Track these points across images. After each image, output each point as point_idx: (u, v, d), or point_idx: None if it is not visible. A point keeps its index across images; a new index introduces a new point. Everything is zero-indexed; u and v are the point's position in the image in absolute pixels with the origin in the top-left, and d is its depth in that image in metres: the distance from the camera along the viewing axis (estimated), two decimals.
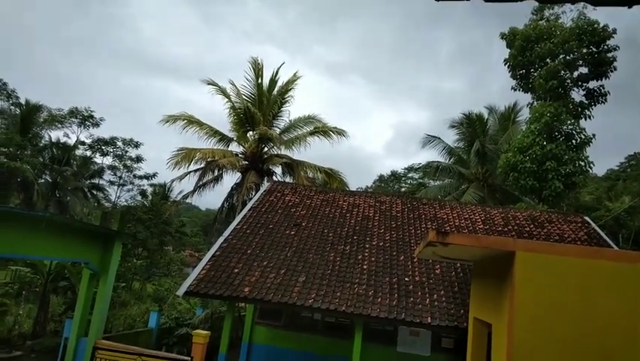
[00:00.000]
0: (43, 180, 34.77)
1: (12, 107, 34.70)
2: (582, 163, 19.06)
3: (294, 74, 25.10)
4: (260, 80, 24.51)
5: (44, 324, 16.94)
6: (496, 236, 12.27)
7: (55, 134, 37.66)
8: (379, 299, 10.37)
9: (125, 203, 39.17)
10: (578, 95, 20.65)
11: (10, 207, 22.03)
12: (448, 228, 13.87)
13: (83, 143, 37.67)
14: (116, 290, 19.27)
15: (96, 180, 39.84)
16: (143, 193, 39.33)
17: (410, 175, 51.10)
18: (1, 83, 33.20)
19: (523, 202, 21.54)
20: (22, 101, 34.53)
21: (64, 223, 11.24)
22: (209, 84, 23.69)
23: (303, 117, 25.21)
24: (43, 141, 36.43)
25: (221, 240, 12.54)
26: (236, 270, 11.21)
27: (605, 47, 19.64)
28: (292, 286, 10.68)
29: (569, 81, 20.35)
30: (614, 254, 6.25)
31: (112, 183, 39.84)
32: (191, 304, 20.08)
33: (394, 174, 53.08)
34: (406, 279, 11.19)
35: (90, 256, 11.27)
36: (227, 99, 23.81)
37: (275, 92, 24.93)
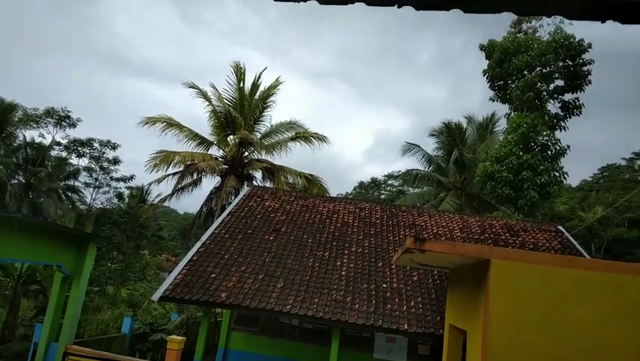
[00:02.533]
0: (16, 181, 33.87)
1: None
2: (557, 174, 19.49)
3: (277, 79, 25.09)
4: (242, 84, 24.41)
5: (13, 328, 16.47)
6: (472, 244, 12.44)
7: (30, 134, 36.69)
8: (357, 306, 10.39)
9: (101, 205, 38.44)
10: (553, 107, 21.16)
11: None
12: (426, 235, 14.01)
13: (59, 143, 36.89)
14: (89, 294, 18.88)
15: (71, 182, 38.99)
16: (119, 196, 38.66)
17: (390, 182, 51.51)
18: None
19: (499, 211, 21.89)
20: None
21: (37, 225, 10.99)
22: (189, 87, 23.51)
23: (284, 122, 25.20)
24: (17, 141, 35.50)
25: (198, 244, 12.41)
26: (213, 275, 11.10)
27: (581, 60, 20.18)
28: (270, 292, 10.62)
29: (545, 93, 20.83)
30: (587, 263, 6.40)
31: (87, 185, 39.04)
32: (167, 309, 19.80)
33: (374, 181, 53.38)
34: (384, 285, 11.25)
35: (63, 259, 11.03)
36: (208, 102, 23.65)
37: (257, 96, 24.86)
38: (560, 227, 15.60)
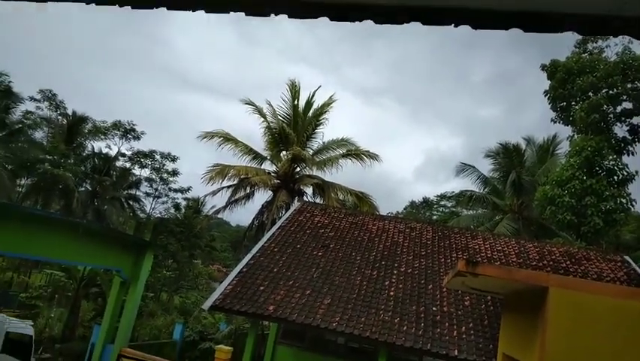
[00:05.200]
0: (83, 189, 36.06)
1: (59, 117, 36.43)
2: (624, 200, 18.37)
3: (330, 97, 25.39)
4: (296, 102, 24.90)
5: (74, 328, 17.36)
6: (529, 270, 11.88)
7: (98, 145, 39.15)
8: (405, 328, 10.16)
9: (159, 215, 40.08)
10: (620, 130, 20.06)
11: (50, 212, 22.92)
12: (480, 259, 13.54)
13: (124, 155, 39.02)
14: (144, 300, 19.61)
15: (133, 191, 41.00)
16: (176, 206, 40.15)
17: (442, 203, 50.26)
18: (50, 94, 34.96)
19: (560, 237, 20.83)
20: (70, 112, 36.24)
21: (100, 231, 11.62)
22: (246, 104, 24.24)
23: (336, 140, 25.37)
24: (86, 151, 37.98)
25: (248, 257, 12.64)
26: (261, 287, 11.25)
27: None
28: (317, 308, 10.61)
29: (611, 116, 19.81)
30: None
31: (148, 194, 40.88)
32: (216, 319, 20.19)
33: (426, 201, 52.31)
34: (434, 309, 10.94)
35: (122, 265, 11.56)
36: (263, 119, 24.28)
37: (310, 113, 25.24)
38: (627, 257, 14.60)
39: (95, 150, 38.29)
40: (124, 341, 11.62)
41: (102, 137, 37.20)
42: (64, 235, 9.67)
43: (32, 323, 12.69)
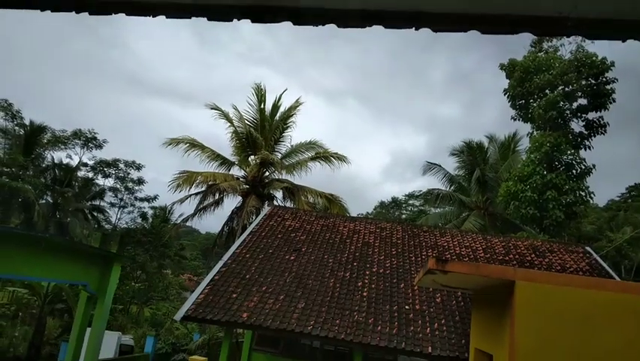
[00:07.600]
0: (44, 201, 34.80)
1: (16, 127, 35.07)
2: (583, 193, 19.10)
3: (297, 100, 25.40)
4: (262, 105, 24.79)
5: (40, 347, 16.71)
6: (496, 265, 12.19)
7: (58, 155, 37.81)
8: (379, 328, 10.24)
9: (125, 225, 39.11)
10: (577, 125, 20.86)
11: (10, 227, 22.02)
12: (449, 256, 13.80)
13: (86, 164, 37.89)
14: (113, 314, 19.07)
15: (97, 202, 39.86)
16: (143, 215, 39.27)
17: (411, 202, 51.05)
18: (6, 103, 33.61)
19: (524, 231, 21.48)
20: (27, 121, 34.93)
21: (64, 245, 11.22)
22: (212, 109, 23.96)
23: (304, 143, 25.38)
24: (45, 162, 36.67)
25: (220, 264, 12.48)
26: (234, 295, 11.12)
27: (604, 79, 19.92)
28: (291, 313, 10.56)
29: (568, 112, 20.57)
30: (616, 285, 6.21)
31: (113, 204, 39.85)
32: (189, 329, 19.84)
33: (395, 201, 53.00)
34: (407, 307, 11.07)
35: (88, 279, 11.20)
36: (229, 124, 24.05)
37: (277, 117, 25.18)
38: (588, 248, 15.17)
39: (55, 161, 37.01)
40: (93, 357, 11.26)
41: (62, 147, 36.01)
42: (25, 251, 9.29)
43: (132, 337, 18.33)
